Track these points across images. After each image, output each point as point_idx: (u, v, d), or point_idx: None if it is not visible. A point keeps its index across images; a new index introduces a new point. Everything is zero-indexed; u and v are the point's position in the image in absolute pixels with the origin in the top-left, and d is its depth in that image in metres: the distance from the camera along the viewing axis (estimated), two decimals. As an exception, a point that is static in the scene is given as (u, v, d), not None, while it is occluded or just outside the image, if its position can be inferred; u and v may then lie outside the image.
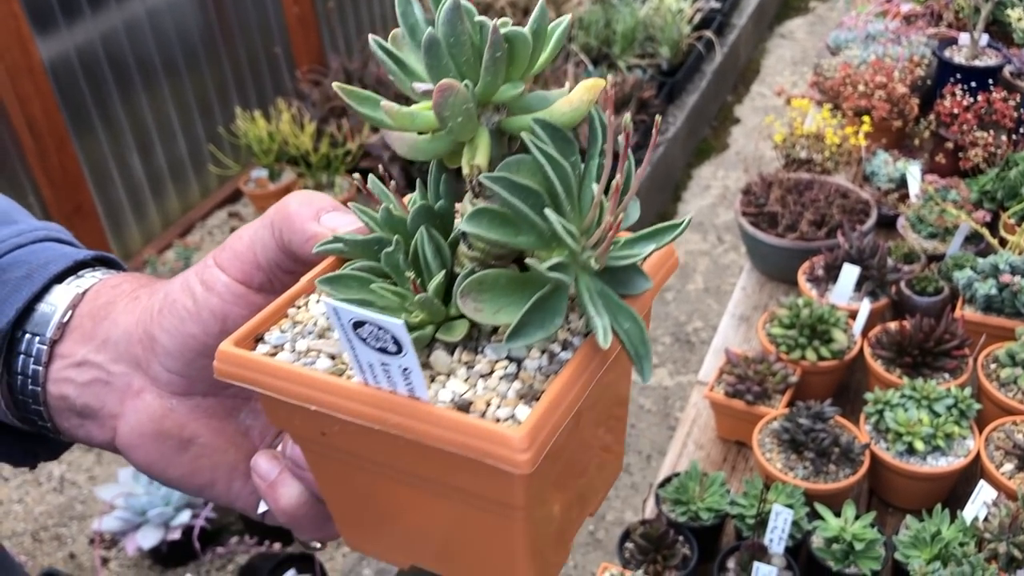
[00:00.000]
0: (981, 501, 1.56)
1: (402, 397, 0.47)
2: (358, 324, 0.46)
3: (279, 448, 0.61)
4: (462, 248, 0.52)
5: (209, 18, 3.96)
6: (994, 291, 1.98)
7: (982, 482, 1.59)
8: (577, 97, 0.50)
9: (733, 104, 5.35)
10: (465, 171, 0.50)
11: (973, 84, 2.77)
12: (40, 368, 0.61)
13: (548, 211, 0.46)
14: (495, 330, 0.52)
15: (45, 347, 0.61)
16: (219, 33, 4.02)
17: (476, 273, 0.48)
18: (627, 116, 0.49)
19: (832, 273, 2.18)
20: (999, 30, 3.03)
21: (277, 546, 2.54)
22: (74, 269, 0.65)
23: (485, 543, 0.53)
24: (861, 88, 2.77)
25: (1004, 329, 1.97)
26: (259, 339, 0.54)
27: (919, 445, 1.71)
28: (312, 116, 3.95)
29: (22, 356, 0.62)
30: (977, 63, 2.88)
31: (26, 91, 3.14)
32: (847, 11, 3.67)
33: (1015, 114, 2.60)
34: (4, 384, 0.62)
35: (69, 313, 0.62)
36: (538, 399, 0.47)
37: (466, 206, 0.51)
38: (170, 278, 0.63)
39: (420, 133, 0.52)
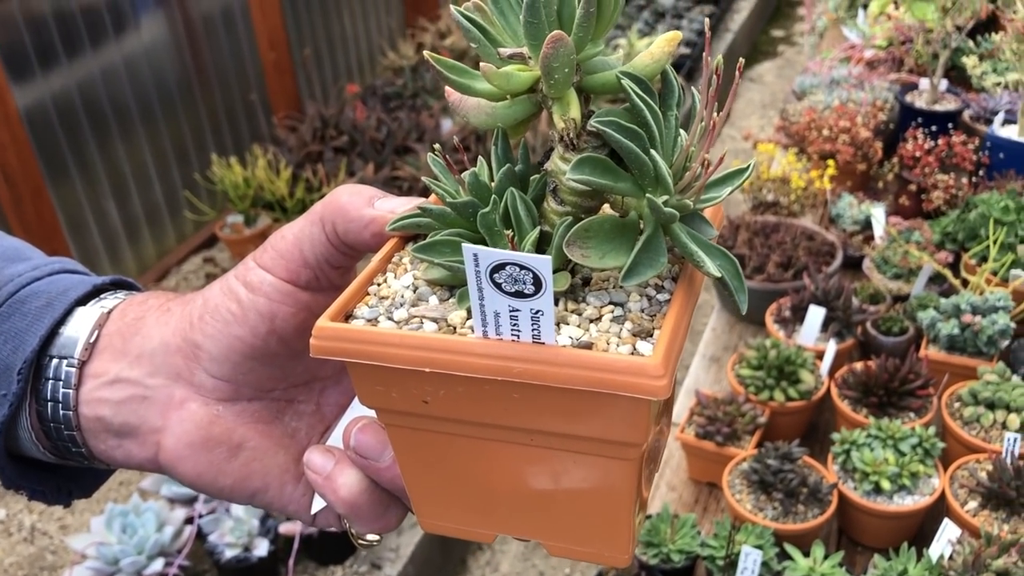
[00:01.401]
0: (946, 539, 1.59)
1: (526, 344, 0.49)
2: (497, 268, 0.47)
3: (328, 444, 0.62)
4: (550, 205, 0.54)
5: (186, 65, 4.00)
6: (956, 331, 2.02)
7: (946, 520, 1.61)
8: (659, 49, 0.53)
9: (704, 146, 5.42)
10: (560, 126, 0.52)
11: (934, 128, 2.84)
12: (71, 391, 0.60)
13: (653, 152, 0.49)
14: (587, 282, 0.55)
15: (74, 369, 0.60)
16: (196, 80, 4.06)
17: (580, 222, 0.50)
18: (719, 58, 0.51)
19: (799, 314, 2.22)
20: (958, 75, 3.12)
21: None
22: (94, 293, 0.64)
23: (591, 496, 0.54)
24: (826, 132, 2.83)
25: (967, 368, 2.01)
26: (349, 316, 0.54)
27: (885, 484, 1.73)
28: (288, 161, 3.98)
29: (51, 381, 0.61)
30: (937, 108, 2.95)
31: (1, 139, 3.16)
32: (812, 56, 3.76)
33: (974, 157, 2.67)
34: (33, 413, 0.61)
35: (96, 333, 0.61)
36: (652, 335, 0.50)
37: (556, 162, 0.53)
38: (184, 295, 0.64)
39: (497, 101, 0.54)
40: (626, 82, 0.51)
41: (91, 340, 0.61)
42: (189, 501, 2.51)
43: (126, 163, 3.76)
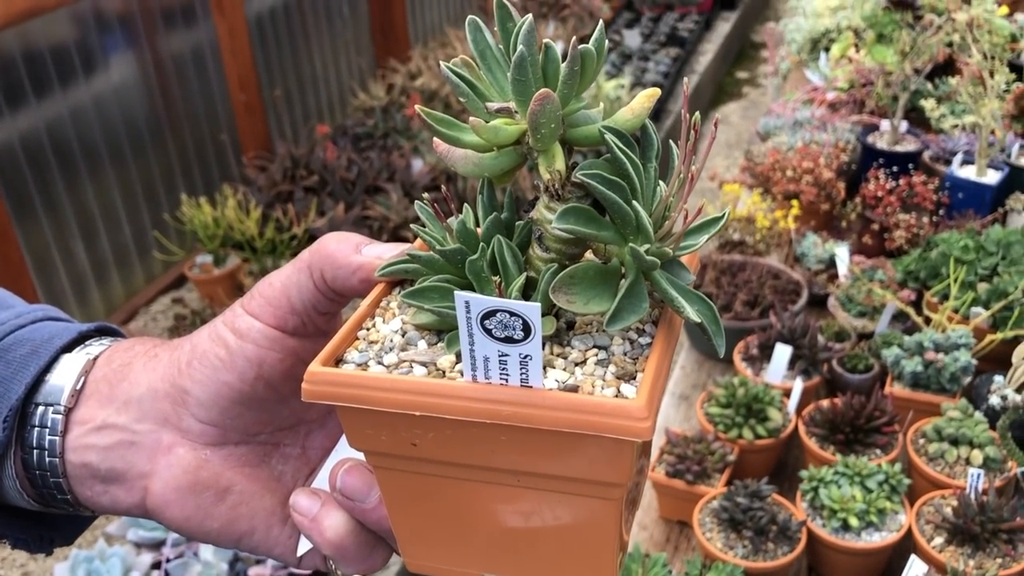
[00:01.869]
0: (913, 575, 1.61)
1: (515, 388, 0.50)
2: (488, 315, 0.49)
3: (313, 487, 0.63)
4: (536, 252, 0.56)
5: (156, 105, 4.00)
6: (920, 368, 2.05)
7: (913, 556, 1.63)
8: (639, 105, 0.55)
9: (672, 185, 5.49)
10: (545, 177, 0.54)
11: (895, 168, 2.90)
12: (57, 438, 0.61)
13: (635, 203, 0.51)
14: (571, 326, 0.57)
15: (60, 416, 0.61)
16: (166, 120, 4.06)
17: (566, 269, 0.53)
18: (697, 114, 0.54)
19: (766, 352, 2.25)
20: (917, 117, 3.20)
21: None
22: (79, 340, 0.65)
23: (575, 536, 0.56)
24: (790, 173, 2.89)
25: (931, 405, 2.04)
26: (339, 361, 0.56)
27: (853, 521, 1.75)
28: (258, 201, 3.98)
29: (37, 428, 0.61)
30: (898, 148, 3.02)
31: (-32, 180, 3.13)
32: (776, 98, 3.84)
33: (935, 197, 2.73)
34: (18, 461, 0.61)
35: (82, 380, 0.62)
36: (635, 378, 0.52)
37: (541, 211, 0.56)
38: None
39: (484, 152, 0.56)
40: (609, 136, 0.53)
41: (77, 387, 0.62)
42: (156, 545, 2.47)
43: (94, 203, 3.74)
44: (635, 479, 0.57)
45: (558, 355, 0.54)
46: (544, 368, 0.52)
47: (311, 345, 0.61)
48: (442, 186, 0.61)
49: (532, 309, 0.48)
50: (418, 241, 0.62)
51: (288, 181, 4.16)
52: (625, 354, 0.54)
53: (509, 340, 0.49)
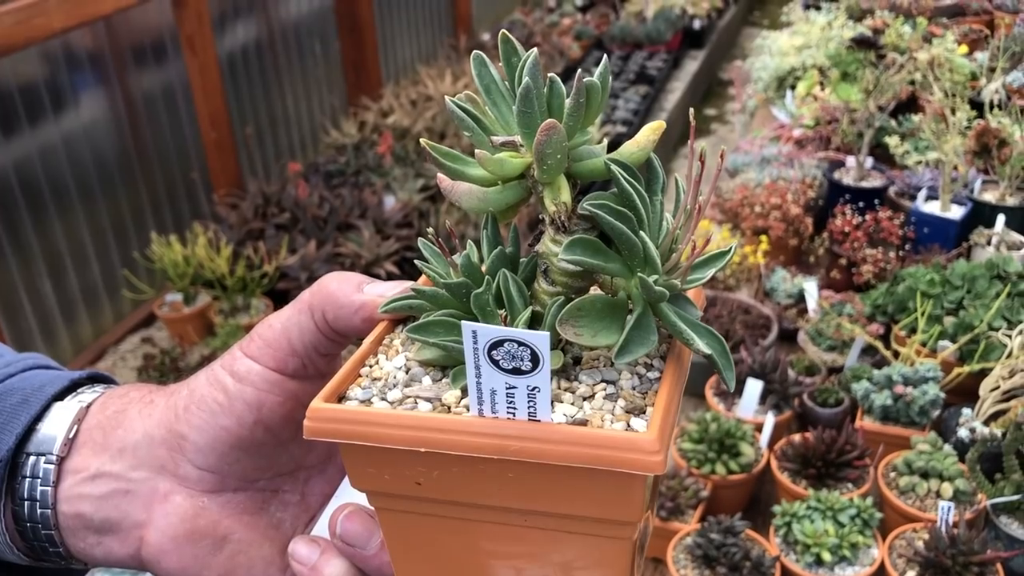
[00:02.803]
0: (886, 610, 1.61)
1: (522, 422, 0.49)
2: (495, 345, 0.48)
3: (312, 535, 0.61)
4: (541, 285, 0.56)
5: (126, 143, 3.99)
6: (890, 401, 2.07)
7: (886, 591, 1.64)
8: (644, 138, 0.55)
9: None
10: (551, 209, 0.54)
11: (861, 204, 2.95)
12: (49, 488, 0.59)
13: (642, 233, 0.51)
14: (577, 361, 0.56)
15: (53, 466, 0.59)
16: (136, 158, 4.04)
17: (572, 301, 0.52)
18: (703, 146, 0.53)
19: (738, 387, 2.26)
20: (882, 153, 3.25)
21: None
22: (71, 388, 0.63)
23: None
24: (758, 209, 2.92)
25: (901, 438, 2.05)
26: (342, 398, 0.54)
27: (826, 556, 1.75)
28: (229, 239, 3.97)
29: (28, 480, 0.59)
30: (864, 184, 3.07)
31: (-67, 219, 3.10)
32: (744, 135, 3.89)
33: (901, 232, 2.78)
34: (9, 514, 0.59)
35: (75, 428, 0.60)
36: (644, 412, 0.51)
37: (547, 244, 0.55)
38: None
39: (489, 186, 0.56)
40: (615, 168, 0.53)
41: (70, 435, 0.60)
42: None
43: (63, 242, 3.71)
44: (645, 522, 0.55)
45: (566, 389, 0.53)
46: (552, 403, 0.51)
47: (311, 388, 0.60)
48: (447, 223, 0.60)
49: (541, 338, 0.47)
50: (422, 277, 0.61)
51: (259, 219, 4.15)
52: (634, 388, 0.53)
53: (517, 371, 0.48)
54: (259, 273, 3.85)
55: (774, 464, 2.02)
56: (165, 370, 3.54)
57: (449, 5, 6.74)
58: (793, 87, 3.92)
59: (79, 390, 0.64)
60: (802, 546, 1.79)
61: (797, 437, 2.03)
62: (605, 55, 0.59)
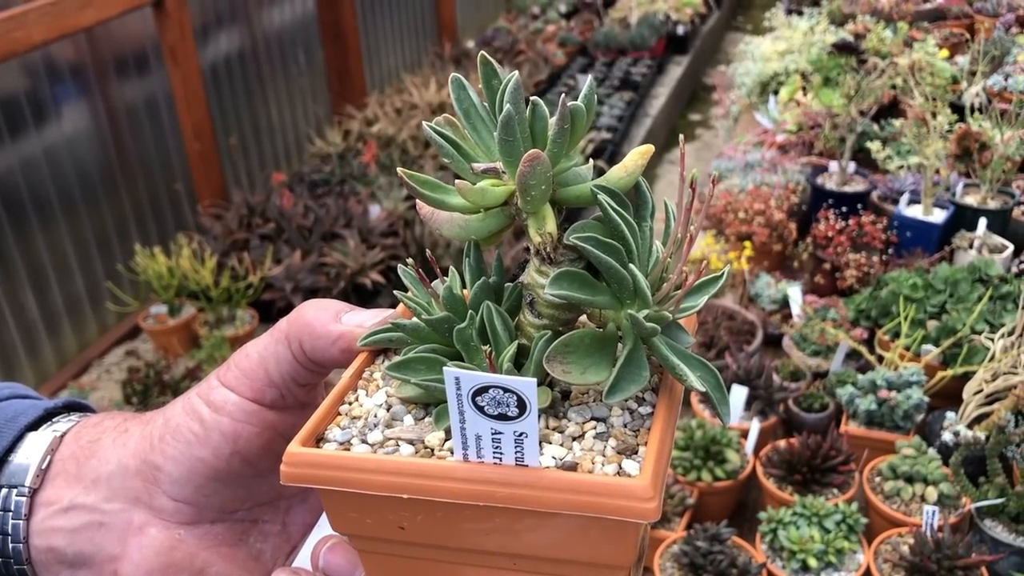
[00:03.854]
0: (872, 615, 1.61)
1: (509, 467, 0.47)
2: (480, 391, 0.46)
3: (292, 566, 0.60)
4: (527, 318, 0.53)
5: (109, 155, 3.97)
6: (874, 406, 2.08)
7: (872, 596, 1.64)
8: (632, 163, 0.53)
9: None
10: (536, 240, 0.52)
11: (844, 208, 2.96)
12: (21, 522, 0.57)
13: (632, 266, 0.49)
14: (566, 396, 0.53)
15: (25, 498, 0.57)
16: (119, 170, 4.02)
17: (560, 337, 0.50)
18: (694, 172, 0.51)
19: (723, 394, 2.26)
20: (865, 157, 3.27)
21: None
22: (46, 418, 0.62)
23: None
24: (742, 215, 2.93)
25: (885, 442, 2.06)
26: (320, 440, 0.52)
27: (812, 562, 1.75)
28: (213, 250, 3.95)
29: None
30: (847, 189, 3.08)
31: (-87, 234, 3.07)
32: (728, 141, 3.90)
33: (884, 236, 2.79)
34: None
35: (48, 459, 0.59)
36: (637, 452, 0.49)
37: (532, 275, 0.53)
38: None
39: (470, 214, 0.53)
40: (602, 196, 0.51)
41: (43, 466, 0.59)
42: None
43: (46, 254, 3.68)
44: (636, 568, 0.54)
45: (554, 428, 0.51)
46: (540, 444, 0.49)
47: (290, 418, 0.59)
48: (427, 251, 0.59)
49: (527, 385, 0.45)
50: (401, 307, 0.58)
51: (244, 229, 4.13)
52: (625, 425, 0.51)
53: (503, 417, 0.46)
54: (244, 284, 3.83)
55: (760, 470, 2.02)
56: (150, 383, 3.52)
57: (433, 13, 6.74)
58: (776, 92, 3.93)
59: (54, 419, 0.63)
60: (788, 552, 1.80)
61: (782, 443, 2.04)
62: (591, 76, 0.57)
